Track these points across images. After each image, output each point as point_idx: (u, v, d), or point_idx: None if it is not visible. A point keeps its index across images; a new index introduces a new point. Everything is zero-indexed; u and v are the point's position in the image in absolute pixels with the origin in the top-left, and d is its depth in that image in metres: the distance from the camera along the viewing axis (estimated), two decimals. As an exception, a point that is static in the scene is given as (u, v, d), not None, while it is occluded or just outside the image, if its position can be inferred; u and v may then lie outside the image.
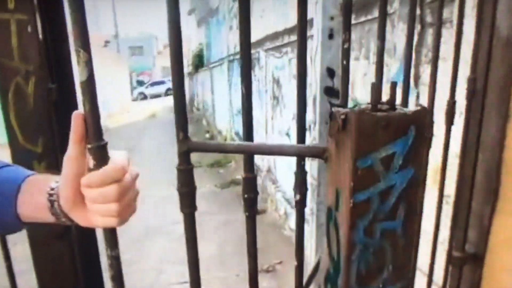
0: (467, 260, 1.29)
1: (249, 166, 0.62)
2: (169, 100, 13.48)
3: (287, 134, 4.42)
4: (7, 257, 1.07)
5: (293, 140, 4.04)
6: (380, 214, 0.44)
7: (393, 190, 0.44)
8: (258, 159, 5.85)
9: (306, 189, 0.67)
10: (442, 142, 1.19)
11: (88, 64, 0.45)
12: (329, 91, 1.89)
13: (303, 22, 0.60)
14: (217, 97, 10.46)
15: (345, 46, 0.73)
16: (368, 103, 0.45)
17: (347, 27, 0.71)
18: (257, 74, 5.73)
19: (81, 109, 0.49)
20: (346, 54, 0.74)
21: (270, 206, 4.98)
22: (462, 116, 1.21)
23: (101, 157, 0.48)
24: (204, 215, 4.65)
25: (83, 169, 0.51)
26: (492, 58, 1.13)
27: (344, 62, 0.75)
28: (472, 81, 1.17)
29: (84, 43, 0.44)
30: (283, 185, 4.63)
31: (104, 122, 13.86)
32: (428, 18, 1.75)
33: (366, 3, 2.31)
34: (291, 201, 3.93)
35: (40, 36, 0.94)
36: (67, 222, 0.58)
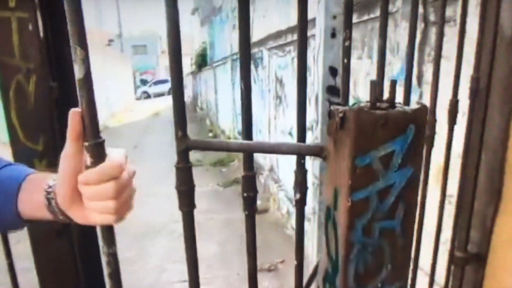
0: (470, 260, 1.28)
1: (249, 164, 0.62)
2: (173, 99, 13.42)
3: (290, 134, 4.41)
4: (9, 255, 1.07)
5: (296, 140, 4.02)
6: (378, 213, 0.44)
7: (392, 189, 0.43)
8: (260, 158, 5.84)
9: (306, 188, 0.67)
10: (445, 142, 1.18)
11: (85, 61, 0.45)
12: (331, 90, 1.89)
13: (303, 22, 0.60)
14: (220, 97, 10.47)
15: (346, 44, 0.73)
16: (368, 101, 0.44)
17: (347, 25, 0.71)
18: (260, 74, 5.73)
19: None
20: (347, 52, 0.73)
21: (273, 205, 4.98)
22: (465, 115, 1.20)
23: (98, 154, 0.48)
24: (206, 214, 4.66)
25: (80, 167, 0.51)
26: (495, 57, 1.12)
27: (345, 61, 0.75)
28: (475, 80, 1.16)
29: (81, 40, 0.44)
30: (286, 184, 4.63)
31: (107, 121, 13.92)
32: (432, 17, 1.74)
33: (369, 1, 2.30)
34: (293, 200, 3.91)
35: (41, 34, 0.94)
36: (65, 220, 0.58)
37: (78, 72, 0.45)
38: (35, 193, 0.58)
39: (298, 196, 0.66)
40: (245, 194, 0.63)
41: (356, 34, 2.52)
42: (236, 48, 7.82)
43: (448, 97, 1.16)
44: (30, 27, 0.92)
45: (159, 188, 5.29)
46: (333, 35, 1.85)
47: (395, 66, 2.01)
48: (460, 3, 1.16)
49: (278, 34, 4.57)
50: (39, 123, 0.98)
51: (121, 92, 19.76)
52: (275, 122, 5.10)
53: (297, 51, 0.61)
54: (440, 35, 1.06)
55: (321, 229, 2.02)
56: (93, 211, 0.51)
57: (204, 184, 6.06)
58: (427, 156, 1.09)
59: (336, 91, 1.87)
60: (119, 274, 0.55)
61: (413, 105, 0.45)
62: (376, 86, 0.42)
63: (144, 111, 19.10)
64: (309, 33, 2.86)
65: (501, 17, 1.10)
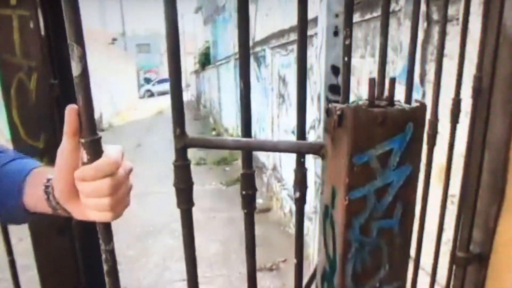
0: (472, 261, 1.27)
1: (248, 162, 0.62)
2: (176, 98, 13.43)
3: (293, 133, 4.41)
4: (10, 252, 1.08)
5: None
6: (376, 212, 0.43)
7: (389, 188, 0.43)
8: (263, 157, 5.84)
9: (306, 186, 0.67)
10: (447, 141, 1.17)
11: (82, 59, 0.45)
12: (333, 89, 1.88)
13: (303, 22, 0.60)
14: (223, 95, 10.47)
15: (347, 42, 0.72)
16: (366, 99, 0.44)
17: (348, 24, 0.70)
18: (263, 72, 5.72)
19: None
20: (347, 50, 0.73)
21: (275, 204, 4.97)
22: (468, 115, 1.19)
23: (95, 151, 0.48)
24: (209, 212, 4.66)
25: (76, 163, 0.51)
26: (498, 56, 1.11)
27: (346, 59, 0.74)
28: (477, 79, 1.16)
29: (78, 37, 0.44)
30: (288, 183, 4.62)
31: (112, 119, 13.96)
32: (435, 16, 1.73)
33: (372, 0, 2.29)
34: (296, 199, 3.91)
35: (42, 32, 0.95)
36: (64, 214, 0.59)
37: (75, 69, 0.45)
38: (37, 186, 0.59)
39: (298, 194, 0.65)
40: (244, 192, 0.62)
41: (359, 33, 2.51)
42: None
43: (451, 96, 1.15)
44: (31, 25, 0.92)
45: (161, 187, 5.30)
46: (336, 33, 1.84)
47: (398, 65, 2.00)
48: (463, 1, 1.15)
49: (281, 33, 4.56)
50: (40, 120, 0.99)
51: (125, 90, 19.81)
52: (278, 121, 5.10)
53: (296, 50, 0.61)
54: (442, 34, 1.05)
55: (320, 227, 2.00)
56: (89, 208, 0.52)
57: (207, 183, 6.07)
58: (429, 155, 1.08)
59: (338, 90, 1.87)
60: (117, 271, 0.55)
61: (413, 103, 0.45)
62: (375, 84, 0.41)
63: (147, 109, 19.15)
64: (311, 32, 2.85)
65: (504, 16, 1.09)
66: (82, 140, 0.48)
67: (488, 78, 1.14)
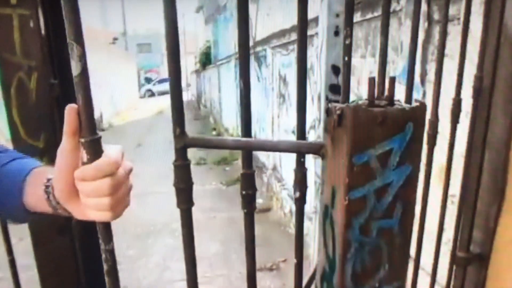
0: (472, 261, 1.27)
1: (248, 162, 0.62)
2: (176, 98, 13.44)
3: (293, 133, 4.41)
4: (10, 251, 1.08)
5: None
6: (376, 212, 0.43)
7: (389, 188, 0.43)
8: (263, 157, 5.84)
9: (306, 186, 0.66)
10: (447, 141, 1.17)
11: (82, 58, 0.45)
12: (334, 89, 1.88)
13: (303, 22, 0.60)
14: (224, 95, 10.47)
15: (347, 42, 0.72)
16: (366, 99, 0.44)
17: (348, 23, 0.70)
18: (263, 72, 5.72)
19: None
20: (347, 50, 0.73)
21: (275, 204, 4.97)
22: (468, 115, 1.19)
23: (95, 151, 0.48)
24: (210, 212, 4.66)
25: (76, 163, 0.51)
26: (499, 56, 1.11)
27: (346, 58, 0.74)
28: (478, 79, 1.15)
29: (77, 36, 0.44)
30: (289, 183, 4.62)
31: (112, 119, 13.96)
32: (436, 15, 1.73)
33: (373, 0, 2.28)
34: (296, 199, 3.91)
35: (43, 31, 0.94)
36: (64, 214, 0.59)
37: (74, 69, 0.45)
38: (37, 186, 0.59)
39: (297, 194, 0.65)
40: (244, 192, 0.62)
41: (360, 32, 2.51)
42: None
43: (451, 96, 1.15)
44: (32, 24, 0.92)
45: (162, 187, 5.30)
46: (336, 33, 1.84)
47: (398, 65, 1.99)
48: (464, 1, 1.15)
49: (282, 33, 4.56)
50: (40, 120, 0.99)
51: (125, 90, 19.82)
52: (278, 121, 5.10)
53: (296, 50, 0.61)
54: (443, 34, 1.05)
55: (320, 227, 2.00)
56: (89, 207, 0.52)
57: (208, 183, 6.07)
58: (429, 155, 1.08)
59: (339, 89, 1.86)
60: (116, 270, 0.55)
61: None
62: (375, 83, 0.41)
63: (148, 109, 19.15)
64: (312, 32, 2.84)
65: (506, 15, 1.09)
66: (82, 140, 0.48)
67: (488, 78, 1.13)
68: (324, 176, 0.50)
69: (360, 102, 0.43)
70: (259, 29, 5.87)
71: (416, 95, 1.81)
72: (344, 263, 0.45)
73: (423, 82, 1.82)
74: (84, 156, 0.49)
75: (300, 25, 0.60)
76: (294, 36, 4.14)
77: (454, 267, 1.28)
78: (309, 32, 3.10)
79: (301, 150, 0.56)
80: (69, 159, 0.51)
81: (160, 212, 4.72)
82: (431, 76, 1.77)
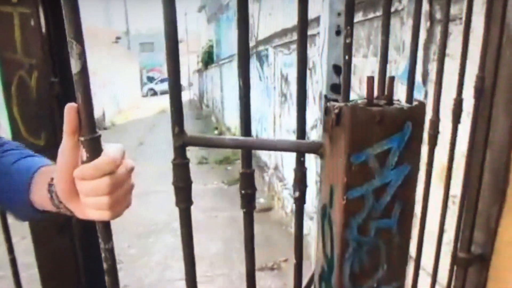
0: (473, 261, 1.27)
1: (247, 161, 0.62)
2: (179, 97, 13.47)
3: (295, 132, 4.40)
4: (11, 250, 1.08)
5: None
6: (374, 212, 0.43)
7: (388, 188, 0.43)
8: (265, 156, 5.84)
9: (306, 186, 0.66)
10: (449, 141, 1.17)
11: (81, 56, 0.45)
12: (335, 88, 1.88)
13: (303, 22, 0.60)
14: (226, 94, 10.47)
15: (347, 41, 0.72)
16: (365, 98, 0.44)
17: (349, 22, 0.70)
18: (265, 71, 5.72)
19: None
20: (348, 49, 0.72)
21: (277, 204, 4.97)
22: (470, 115, 1.19)
23: (94, 149, 0.48)
24: (211, 211, 4.66)
25: (76, 161, 0.51)
26: (501, 56, 1.11)
27: (346, 57, 0.74)
28: (480, 79, 1.15)
29: (77, 35, 0.44)
30: (290, 182, 4.60)
31: (114, 117, 13.98)
32: (438, 15, 1.72)
33: (375, -1, 2.28)
34: (297, 199, 3.90)
35: (43, 29, 0.95)
36: (67, 213, 0.60)
37: (74, 67, 0.45)
38: (42, 185, 0.60)
39: (297, 194, 0.65)
40: (243, 191, 0.62)
41: (361, 32, 2.51)
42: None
43: (453, 96, 1.14)
44: (32, 23, 0.92)
45: (163, 186, 5.29)
46: (338, 32, 1.83)
47: (400, 65, 1.99)
48: (466, 1, 1.14)
49: (284, 32, 4.56)
50: (41, 118, 0.99)
51: (128, 89, 19.85)
52: (280, 120, 5.09)
53: (296, 50, 0.61)
54: (445, 33, 1.05)
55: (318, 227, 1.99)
56: (88, 206, 0.51)
57: (209, 182, 6.07)
58: (430, 155, 1.08)
59: (340, 89, 1.86)
60: (116, 269, 0.55)
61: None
62: (373, 83, 0.41)
63: (150, 108, 19.16)
64: (314, 31, 2.84)
65: (508, 15, 1.08)
66: (81, 138, 0.48)
67: (490, 78, 1.13)
68: (322, 175, 0.50)
69: (359, 101, 0.43)
70: (261, 29, 5.86)
71: (418, 95, 1.81)
72: (342, 262, 0.45)
73: (425, 82, 1.82)
74: (84, 154, 0.49)
75: (300, 25, 0.60)
76: (295, 36, 4.13)
77: (455, 268, 1.28)
78: (311, 32, 3.10)
79: (300, 149, 0.56)
80: (69, 158, 0.50)
81: (161, 211, 4.72)
82: (433, 76, 1.76)
